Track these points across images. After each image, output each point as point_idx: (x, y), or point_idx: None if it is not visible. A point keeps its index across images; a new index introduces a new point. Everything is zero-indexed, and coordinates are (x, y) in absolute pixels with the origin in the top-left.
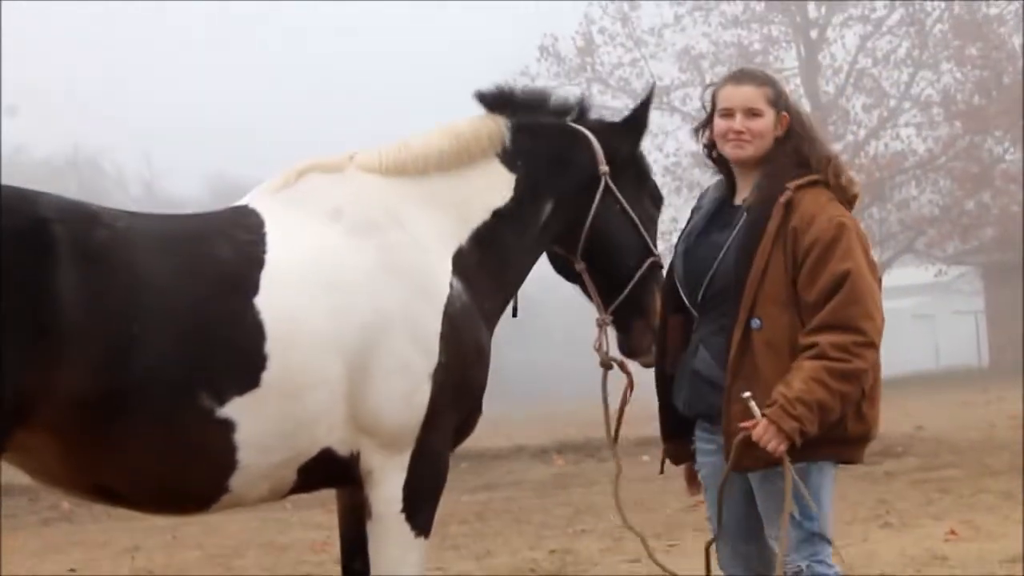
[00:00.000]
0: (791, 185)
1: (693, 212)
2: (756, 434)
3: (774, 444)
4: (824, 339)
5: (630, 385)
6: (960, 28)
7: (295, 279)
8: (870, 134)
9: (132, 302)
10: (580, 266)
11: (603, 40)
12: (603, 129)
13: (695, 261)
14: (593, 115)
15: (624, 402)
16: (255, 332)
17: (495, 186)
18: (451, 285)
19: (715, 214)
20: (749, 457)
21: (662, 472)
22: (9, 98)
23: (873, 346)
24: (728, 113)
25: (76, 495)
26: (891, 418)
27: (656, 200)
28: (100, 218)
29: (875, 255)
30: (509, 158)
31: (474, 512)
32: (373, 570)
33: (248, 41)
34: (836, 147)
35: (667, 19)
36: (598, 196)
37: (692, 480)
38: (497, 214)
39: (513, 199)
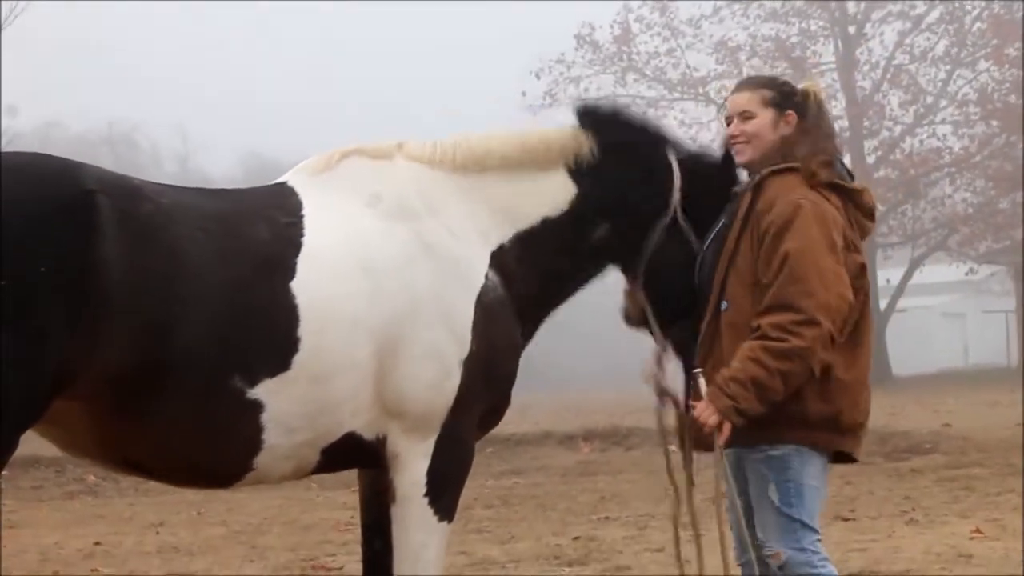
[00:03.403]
0: (764, 171)
1: (726, 210)
2: (696, 411)
3: (712, 422)
4: (765, 320)
5: (679, 419)
6: (999, 27)
7: (330, 264)
8: (906, 131)
9: (174, 280)
10: (640, 294)
11: (640, 29)
12: (694, 162)
13: (704, 267)
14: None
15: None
16: (289, 316)
17: (554, 195)
18: (487, 276)
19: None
20: (699, 440)
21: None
22: (42, 73)
23: (812, 323)
24: (729, 121)
25: (104, 467)
26: (919, 415)
27: None
28: (143, 192)
29: (907, 251)
30: (578, 173)
31: (499, 497)
32: (396, 553)
33: (287, 22)
34: (871, 143)
35: (705, 10)
36: (663, 226)
37: None
38: (546, 222)
39: (567, 212)
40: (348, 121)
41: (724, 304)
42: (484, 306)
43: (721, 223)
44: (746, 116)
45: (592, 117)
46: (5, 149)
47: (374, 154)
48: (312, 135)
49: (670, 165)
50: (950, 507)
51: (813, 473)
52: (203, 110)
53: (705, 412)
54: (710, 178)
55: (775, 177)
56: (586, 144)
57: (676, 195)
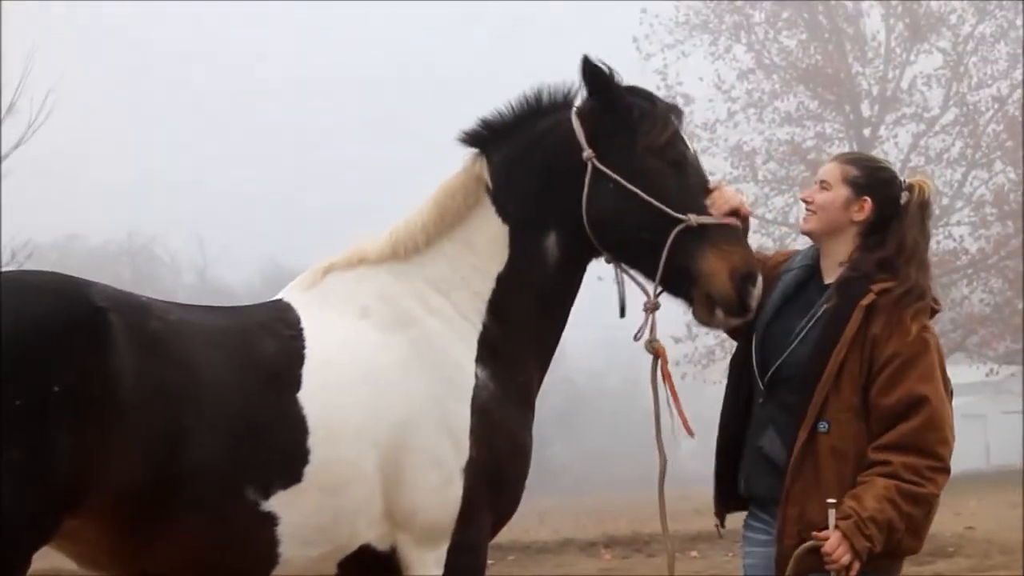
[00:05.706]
0: (876, 288)
1: (783, 271)
2: (829, 546)
3: (844, 561)
4: (898, 459)
5: (664, 374)
6: (1013, 128)
7: (333, 375)
8: None
9: (185, 394)
10: (604, 256)
11: None
12: (591, 109)
13: (771, 336)
14: None
15: (672, 391)
16: (299, 427)
17: (495, 245)
18: (476, 376)
19: (801, 287)
20: (807, 564)
21: (720, 536)
22: (61, 183)
23: (945, 471)
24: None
25: None
26: (942, 518)
27: (666, 151)
28: (151, 310)
29: None
30: (500, 201)
31: None
32: None
33: (299, 130)
34: None
35: (720, 115)
36: (587, 183)
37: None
38: (501, 280)
39: (510, 260)
40: (368, 223)
41: (824, 425)
42: (479, 410)
43: (783, 283)
44: (824, 186)
45: (479, 139)
46: (25, 264)
47: (345, 265)
48: (335, 239)
49: (561, 128)
50: None
51: None
52: (220, 219)
53: (840, 550)
54: (606, 120)
55: (886, 296)
56: (486, 170)
57: (585, 149)
